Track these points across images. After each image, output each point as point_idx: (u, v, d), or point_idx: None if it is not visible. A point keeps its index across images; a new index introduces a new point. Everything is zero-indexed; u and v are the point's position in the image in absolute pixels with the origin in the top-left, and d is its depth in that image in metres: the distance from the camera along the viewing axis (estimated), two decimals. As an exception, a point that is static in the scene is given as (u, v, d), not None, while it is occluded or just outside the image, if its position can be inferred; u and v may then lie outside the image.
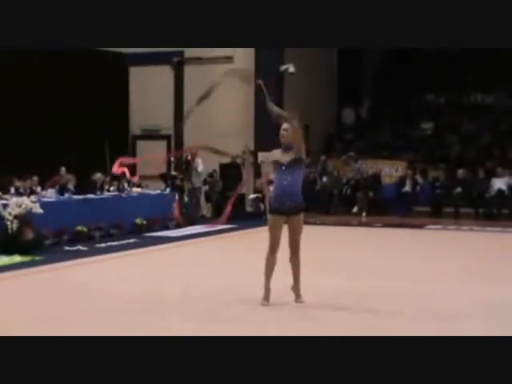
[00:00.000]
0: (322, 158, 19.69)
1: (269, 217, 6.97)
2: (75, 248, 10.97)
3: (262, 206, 17.43)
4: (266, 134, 18.10)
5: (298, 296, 6.85)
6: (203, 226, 11.77)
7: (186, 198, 15.62)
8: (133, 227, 13.18)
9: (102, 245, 11.42)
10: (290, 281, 6.93)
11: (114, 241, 11.85)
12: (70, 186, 13.39)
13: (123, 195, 13.98)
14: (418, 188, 18.12)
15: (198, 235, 13.19)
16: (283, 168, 6.71)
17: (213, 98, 18.73)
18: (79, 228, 11.86)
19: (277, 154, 6.82)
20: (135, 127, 19.75)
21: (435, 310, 6.52)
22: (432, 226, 15.18)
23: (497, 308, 6.71)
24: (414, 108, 23.10)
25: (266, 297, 6.77)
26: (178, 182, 16.04)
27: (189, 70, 19.06)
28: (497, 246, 12.06)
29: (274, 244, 6.83)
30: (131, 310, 6.58)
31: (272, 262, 6.80)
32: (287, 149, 6.76)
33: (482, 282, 8.22)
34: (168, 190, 15.44)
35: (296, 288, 6.88)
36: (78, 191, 13.32)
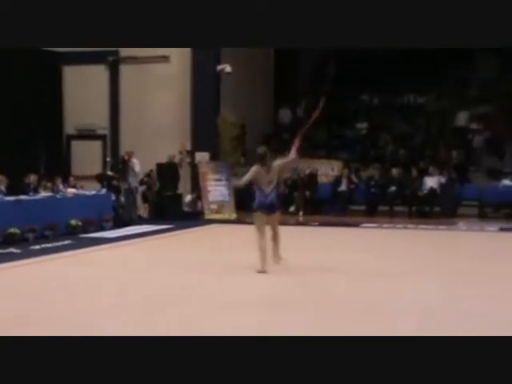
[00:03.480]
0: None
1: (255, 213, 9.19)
2: (8, 250, 10.70)
3: (199, 205, 17.41)
4: (202, 134, 18.12)
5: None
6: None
7: (122, 199, 15.45)
8: (68, 229, 12.95)
9: (37, 247, 11.18)
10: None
11: (48, 243, 11.62)
12: (2, 187, 13.04)
13: (58, 196, 13.73)
14: (354, 187, 18.34)
15: (135, 236, 13.04)
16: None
17: (149, 97, 18.74)
18: (11, 230, 11.57)
19: (261, 172, 8.97)
20: (70, 127, 19.39)
21: (372, 307, 6.61)
22: (367, 225, 15.38)
23: (429, 305, 6.85)
24: (350, 108, 23.39)
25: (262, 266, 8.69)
26: (114, 182, 15.85)
27: (124, 69, 18.82)
28: (430, 243, 12.30)
29: (260, 230, 9.11)
30: (66, 312, 6.45)
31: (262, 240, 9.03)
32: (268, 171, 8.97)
33: (417, 278, 8.36)
34: (104, 190, 15.23)
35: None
36: (9, 193, 12.97)
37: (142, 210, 16.89)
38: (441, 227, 14.81)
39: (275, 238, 9.24)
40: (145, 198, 17.09)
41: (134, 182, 16.04)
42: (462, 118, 21.17)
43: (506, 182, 17.64)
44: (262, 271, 8.65)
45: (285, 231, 12.30)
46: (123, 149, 17.46)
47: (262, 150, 9.17)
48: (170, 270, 8.99)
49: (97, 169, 17.76)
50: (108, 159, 17.50)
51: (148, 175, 17.01)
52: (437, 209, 17.39)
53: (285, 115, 23.29)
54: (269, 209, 9.04)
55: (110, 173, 16.32)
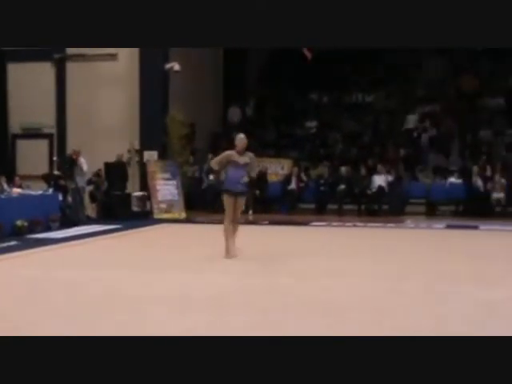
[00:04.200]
0: (209, 156, 19.66)
1: (224, 196, 9.74)
2: (-50, 252, 10.45)
3: (148, 204, 17.30)
4: (151, 132, 18.00)
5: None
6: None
7: (69, 198, 15.23)
8: (13, 229, 12.70)
9: (-19, 248, 10.95)
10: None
11: (-7, 244, 11.39)
12: None
13: (2, 196, 13.46)
14: (303, 185, 18.43)
15: (83, 236, 12.87)
16: (239, 166, 9.66)
17: (97, 95, 18.53)
18: (-46, 231, 11.31)
19: (233, 155, 9.73)
20: (15, 126, 19.03)
21: (321, 306, 6.64)
22: (317, 223, 15.47)
23: (381, 303, 6.92)
24: (299, 107, 23.51)
25: (228, 252, 9.64)
26: (61, 181, 15.62)
27: (71, 67, 18.56)
28: (379, 241, 12.43)
29: (228, 215, 9.70)
30: (13, 315, 6.32)
31: (229, 227, 9.73)
32: (241, 154, 9.78)
33: (366, 277, 8.44)
34: (51, 190, 15.00)
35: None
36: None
37: (90, 209, 16.70)
38: (389, 225, 15.00)
39: (234, 225, 9.84)
40: (93, 198, 16.89)
41: (81, 181, 15.84)
42: (411, 121, 21.45)
43: (451, 179, 17.97)
44: (229, 257, 9.61)
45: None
46: (70, 148, 17.22)
47: (240, 136, 10.01)
48: (118, 271, 8.89)
49: (43, 168, 17.47)
50: (55, 158, 17.25)
51: (97, 174, 16.82)
52: (385, 207, 17.63)
53: (234, 114, 23.28)
54: (237, 192, 9.66)
55: (56, 172, 16.09)
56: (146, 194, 17.36)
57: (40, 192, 14.72)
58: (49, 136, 18.83)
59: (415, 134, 21.16)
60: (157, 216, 16.91)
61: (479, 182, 17.31)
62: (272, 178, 19.33)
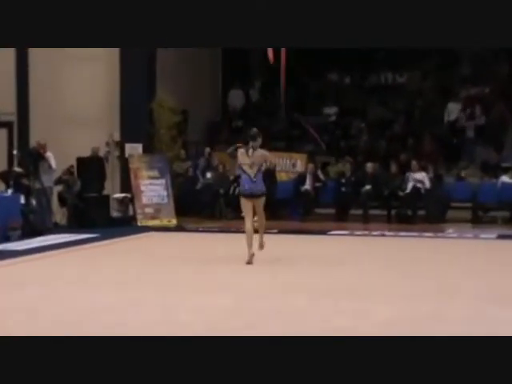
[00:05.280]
0: (207, 150, 19.61)
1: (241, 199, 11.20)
2: None
3: (130, 208, 17.23)
4: (134, 121, 17.90)
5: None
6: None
7: (33, 202, 15.14)
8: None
9: None
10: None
11: None
12: None
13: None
14: (320, 186, 18.32)
15: (50, 248, 12.79)
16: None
17: (67, 75, 18.41)
18: None
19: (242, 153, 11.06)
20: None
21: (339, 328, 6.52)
22: (337, 232, 15.37)
23: (420, 330, 6.77)
24: (315, 90, 23.40)
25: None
26: (24, 180, 15.50)
27: (34, 52, 18.39)
28: (413, 254, 12.28)
29: (248, 214, 11.14)
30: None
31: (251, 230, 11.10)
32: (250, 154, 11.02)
33: (391, 299, 8.30)
34: (10, 191, 14.91)
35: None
36: None
37: (59, 215, 16.64)
38: (426, 234, 14.87)
39: (259, 223, 11.40)
40: (62, 201, 16.82)
41: (48, 180, 15.75)
42: (453, 111, 21.28)
43: (504, 178, 17.78)
44: (249, 262, 10.67)
45: (236, 240, 12.26)
46: (34, 139, 17.10)
47: (253, 131, 11.11)
48: (90, 290, 8.79)
49: (1, 164, 17.38)
50: (15, 152, 17.14)
51: (68, 172, 16.75)
52: (421, 212, 17.52)
53: (236, 99, 23.21)
54: (252, 194, 11.01)
55: (17, 169, 15.98)
56: (128, 195, 17.30)
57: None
58: (7, 125, 18.72)
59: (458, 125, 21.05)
60: (141, 223, 16.87)
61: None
62: (282, 176, 19.26)
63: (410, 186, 17.56)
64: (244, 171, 11.09)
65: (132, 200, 17.25)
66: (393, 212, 17.73)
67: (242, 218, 16.89)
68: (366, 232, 15.51)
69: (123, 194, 17.38)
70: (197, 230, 15.90)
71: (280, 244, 13.46)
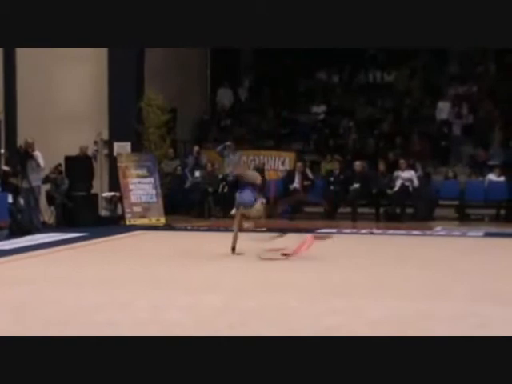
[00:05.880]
0: (195, 148, 19.60)
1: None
2: None
3: (119, 207, 17.20)
4: (122, 119, 17.86)
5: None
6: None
7: (21, 201, 15.09)
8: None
9: None
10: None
11: None
12: None
13: None
14: (309, 184, 18.33)
15: (38, 247, 12.75)
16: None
17: (55, 74, 18.34)
18: None
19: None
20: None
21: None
22: (325, 230, 15.34)
23: (414, 330, 6.77)
24: (303, 88, 23.40)
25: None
26: (12, 179, 15.44)
27: (21, 51, 18.29)
28: (401, 252, 12.29)
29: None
30: None
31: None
32: None
33: (380, 298, 8.29)
34: (-3, 190, 14.88)
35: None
36: None
37: (47, 214, 16.59)
38: (414, 232, 14.90)
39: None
40: (50, 200, 16.78)
41: (36, 179, 15.67)
42: (443, 110, 21.26)
43: (491, 176, 17.84)
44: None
45: (222, 239, 12.27)
46: (22, 138, 17.03)
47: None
48: (78, 290, 8.75)
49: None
50: (2, 151, 17.09)
51: (58, 171, 16.70)
52: (409, 210, 17.56)
53: (225, 97, 23.19)
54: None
55: (5, 168, 15.92)
56: (116, 194, 17.26)
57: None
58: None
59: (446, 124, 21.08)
60: (130, 222, 16.83)
61: (526, 180, 17.27)
62: (271, 175, 19.25)
63: (398, 184, 17.61)
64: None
65: (120, 199, 17.22)
66: (381, 210, 17.77)
67: (231, 217, 17.03)
68: (355, 230, 15.54)
69: (112, 193, 17.37)
70: (185, 229, 15.89)
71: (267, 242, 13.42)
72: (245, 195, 11.76)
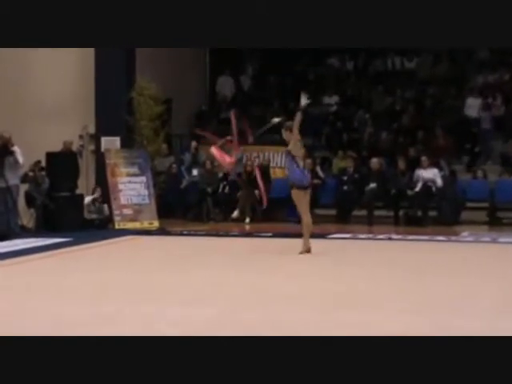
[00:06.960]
0: (193, 144, 19.60)
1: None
2: None
3: (106, 210, 17.20)
4: (111, 111, 17.85)
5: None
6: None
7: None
8: None
9: None
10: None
11: None
12: None
13: None
14: (319, 184, 18.32)
15: (15, 254, 12.75)
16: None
17: (36, 66, 18.34)
18: None
19: None
20: None
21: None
22: (338, 235, 15.36)
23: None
24: (313, 76, 23.40)
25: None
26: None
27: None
28: (422, 260, 12.26)
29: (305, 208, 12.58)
30: None
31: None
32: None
33: (396, 311, 8.27)
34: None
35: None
36: None
37: (27, 217, 16.60)
38: (438, 238, 14.88)
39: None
40: (30, 201, 16.78)
41: (13, 178, 15.64)
42: (472, 107, 21.15)
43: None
44: (305, 251, 12.22)
45: (225, 245, 12.27)
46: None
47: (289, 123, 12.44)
48: (61, 301, 8.76)
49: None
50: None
51: (38, 168, 16.71)
52: (433, 213, 17.54)
53: (225, 86, 23.21)
54: (306, 186, 12.42)
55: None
56: (96, 197, 17.24)
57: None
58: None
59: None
60: (119, 226, 16.86)
61: None
62: (277, 173, 19.24)
63: (419, 184, 17.59)
64: (297, 163, 12.29)
65: (108, 200, 17.19)
66: (401, 213, 17.76)
67: (232, 221, 17.04)
68: (371, 235, 15.53)
69: (91, 196, 17.29)
70: (181, 234, 15.88)
71: (275, 249, 13.45)
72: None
